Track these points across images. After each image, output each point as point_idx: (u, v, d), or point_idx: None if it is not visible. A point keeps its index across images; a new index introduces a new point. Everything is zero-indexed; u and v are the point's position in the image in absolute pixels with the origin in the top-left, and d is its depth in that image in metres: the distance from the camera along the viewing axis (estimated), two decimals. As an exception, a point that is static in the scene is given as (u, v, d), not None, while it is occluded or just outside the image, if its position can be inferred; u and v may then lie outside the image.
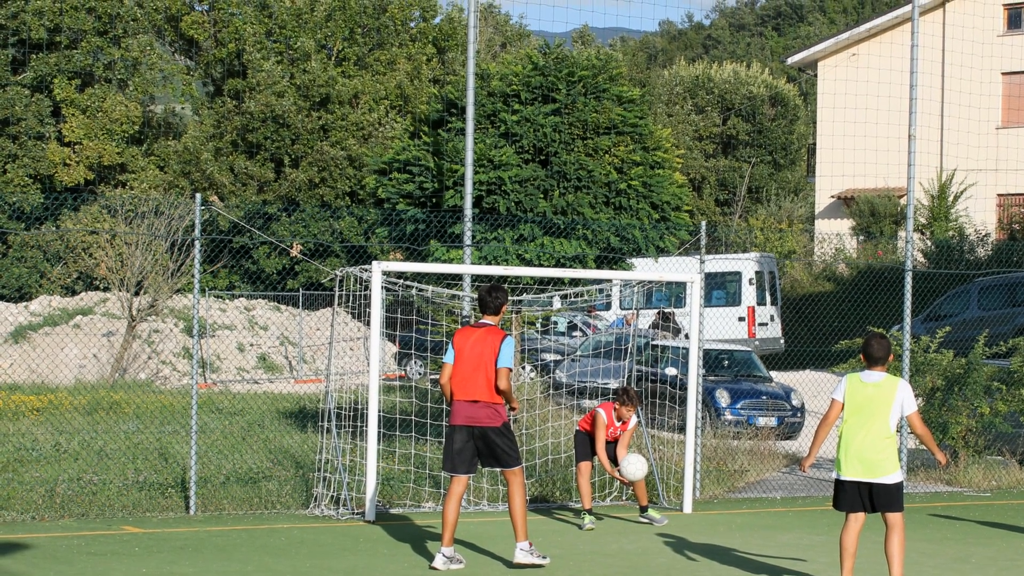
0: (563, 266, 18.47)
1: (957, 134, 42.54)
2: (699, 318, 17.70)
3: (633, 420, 16.19)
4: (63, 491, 15.92)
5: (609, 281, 20.69)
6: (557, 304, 21.57)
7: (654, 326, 30.82)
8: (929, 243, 36.70)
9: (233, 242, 40.33)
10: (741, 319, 35.40)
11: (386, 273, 16.25)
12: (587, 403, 21.51)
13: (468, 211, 18.16)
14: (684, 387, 18.33)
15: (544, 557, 13.02)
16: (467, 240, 18.13)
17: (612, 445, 16.11)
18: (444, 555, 12.77)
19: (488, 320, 13.14)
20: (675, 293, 34.21)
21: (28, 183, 44.50)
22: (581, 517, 15.88)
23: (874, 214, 42.38)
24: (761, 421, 23.81)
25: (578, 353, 27.87)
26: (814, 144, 49.42)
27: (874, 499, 11.70)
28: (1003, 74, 43.06)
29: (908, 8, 30.06)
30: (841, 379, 11.99)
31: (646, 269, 21.97)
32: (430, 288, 17.97)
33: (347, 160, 45.41)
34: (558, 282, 18.82)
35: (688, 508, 17.16)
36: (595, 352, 25.96)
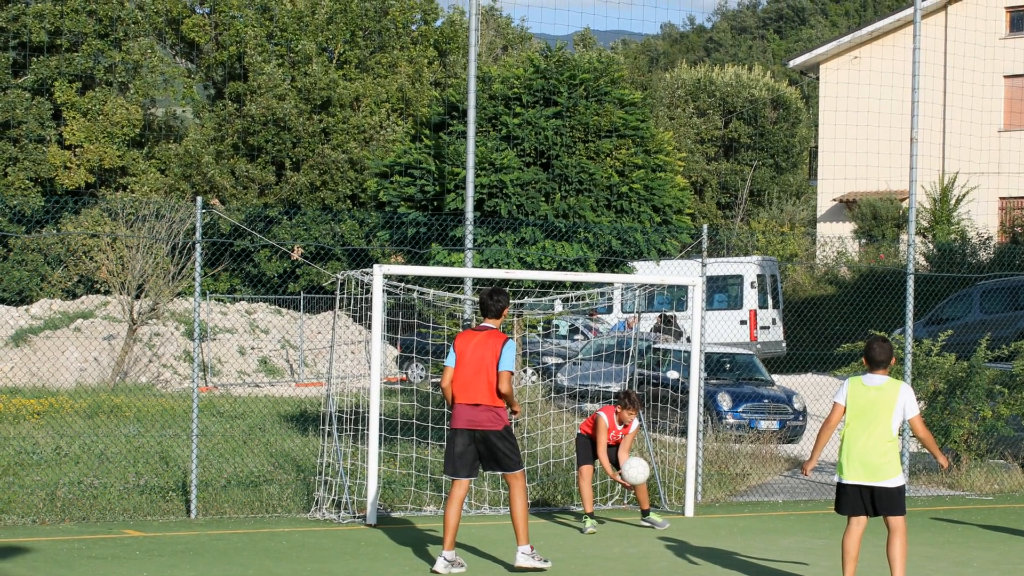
0: (565, 269, 18.45)
1: (959, 137, 42.50)
2: (701, 321, 17.67)
3: (635, 424, 16.16)
4: (64, 495, 15.89)
5: (611, 284, 20.66)
6: (559, 307, 21.56)
7: (656, 329, 30.80)
8: (931, 246, 36.67)
9: (234, 245, 40.34)
10: (743, 322, 35.37)
11: (387, 276, 16.23)
12: (588, 406, 21.48)
13: (469, 214, 18.14)
14: (686, 390, 18.31)
15: (545, 561, 13.00)
16: (468, 243, 18.12)
17: (614, 449, 16.09)
18: (445, 559, 12.76)
19: (489, 323, 13.12)
20: (677, 296, 34.17)
21: (29, 186, 44.52)
22: (583, 521, 15.85)
23: (876, 217, 42.36)
24: (763, 424, 23.78)
25: (580, 356, 27.85)
26: (816, 147, 49.41)
27: (876, 503, 11.68)
28: (1005, 77, 43.06)
29: (910, 11, 30.04)
30: (843, 382, 11.98)
31: (648, 272, 21.95)
32: (431, 291, 17.95)
33: (348, 163, 45.41)
34: (559, 285, 18.81)
35: (690, 512, 17.13)
36: (597, 355, 25.95)
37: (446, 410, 15.39)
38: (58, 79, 45.42)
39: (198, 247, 16.11)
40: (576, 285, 18.90)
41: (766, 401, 24.79)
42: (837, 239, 39.94)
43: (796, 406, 24.89)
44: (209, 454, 18.43)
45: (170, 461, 18.19)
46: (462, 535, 13.89)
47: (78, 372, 31.62)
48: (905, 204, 40.36)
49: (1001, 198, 42.85)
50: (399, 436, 17.39)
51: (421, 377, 31.78)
